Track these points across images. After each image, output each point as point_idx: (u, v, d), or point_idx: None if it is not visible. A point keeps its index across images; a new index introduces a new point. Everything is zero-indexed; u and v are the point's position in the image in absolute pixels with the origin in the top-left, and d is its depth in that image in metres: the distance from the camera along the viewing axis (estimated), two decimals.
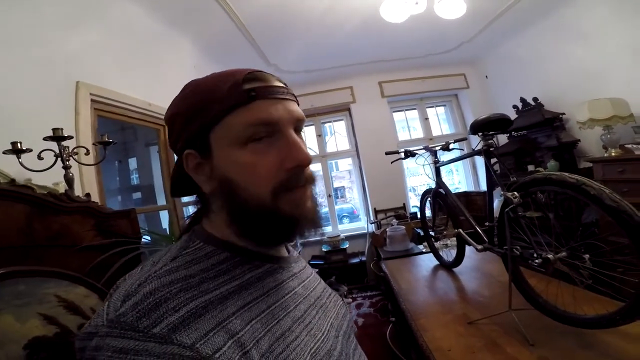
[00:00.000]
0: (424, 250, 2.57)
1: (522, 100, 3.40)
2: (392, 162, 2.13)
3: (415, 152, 1.90)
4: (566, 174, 0.87)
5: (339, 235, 4.16)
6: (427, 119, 4.61)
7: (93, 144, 1.49)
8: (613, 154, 2.32)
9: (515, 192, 1.05)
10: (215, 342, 0.36)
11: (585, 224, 2.45)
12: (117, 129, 2.57)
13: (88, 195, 1.12)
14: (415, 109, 4.63)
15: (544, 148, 3.10)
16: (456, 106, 4.61)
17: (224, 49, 3.10)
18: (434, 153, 1.84)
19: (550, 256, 0.98)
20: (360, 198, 4.60)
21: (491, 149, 1.25)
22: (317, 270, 3.91)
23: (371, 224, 4.05)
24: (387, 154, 1.98)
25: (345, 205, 6.01)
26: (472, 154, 1.40)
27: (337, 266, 3.94)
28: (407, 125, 4.73)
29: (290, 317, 0.47)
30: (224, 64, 3.34)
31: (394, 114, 4.58)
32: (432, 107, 4.71)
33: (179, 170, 0.52)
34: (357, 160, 4.51)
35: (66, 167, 1.19)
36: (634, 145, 2.14)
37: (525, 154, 3.42)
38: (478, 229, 1.50)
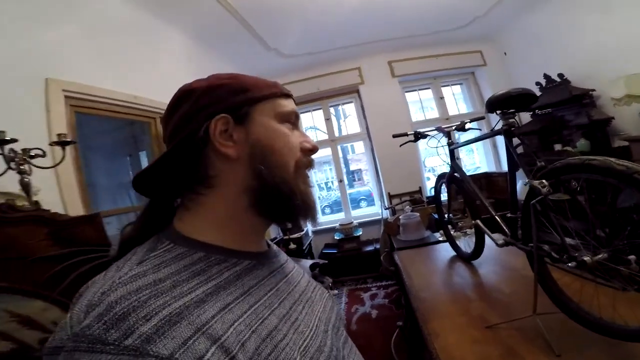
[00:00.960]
0: (440, 239, 2.41)
1: (546, 76, 3.17)
2: (400, 146, 1.96)
3: (427, 133, 1.72)
4: (612, 159, 0.70)
5: (352, 222, 4.04)
6: (442, 98, 4.34)
7: (50, 144, 1.39)
8: None
9: (544, 180, 0.87)
10: (196, 350, 0.34)
11: (621, 209, 2.21)
12: (124, 124, 2.49)
13: (37, 203, 1.03)
14: (429, 88, 4.37)
15: (573, 126, 2.86)
16: (473, 84, 4.32)
17: (219, 36, 2.95)
18: (447, 134, 1.66)
19: (587, 258, 0.81)
20: (374, 183, 4.42)
21: (512, 128, 1.07)
22: (327, 262, 3.85)
23: (385, 209, 3.90)
24: (394, 136, 1.81)
25: (362, 189, 5.92)
26: (490, 134, 1.21)
27: (350, 254, 3.85)
28: (422, 106, 4.48)
29: (275, 315, 0.46)
30: (221, 51, 3.20)
31: (407, 94, 4.33)
32: (448, 85, 4.43)
33: (171, 157, 0.49)
34: (369, 143, 4.31)
35: (21, 172, 1.10)
36: None
37: (551, 132, 3.16)
38: (499, 219, 1.33)
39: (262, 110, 0.52)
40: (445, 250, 1.98)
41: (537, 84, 3.27)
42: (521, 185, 3.23)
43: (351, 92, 4.27)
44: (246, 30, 2.90)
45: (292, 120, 0.56)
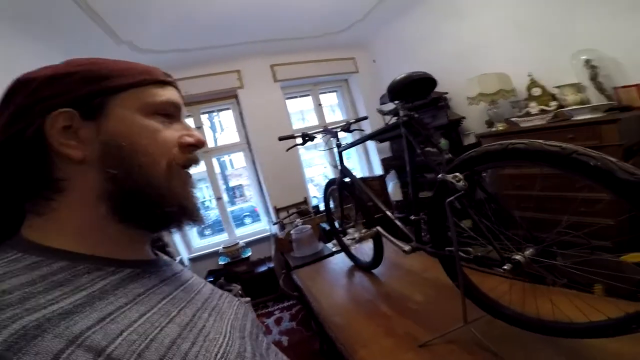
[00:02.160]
0: (334, 250, 2.30)
1: None
2: (287, 150, 1.76)
3: (314, 134, 1.56)
4: (539, 141, 0.60)
5: (238, 243, 3.63)
6: (320, 105, 4.39)
7: None
8: (500, 129, 2.39)
9: (458, 174, 0.75)
10: None
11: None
12: None
13: None
14: (309, 94, 4.35)
15: (431, 128, 3.13)
16: (347, 92, 4.49)
17: (53, 24, 2.20)
18: (335, 135, 1.52)
19: (519, 257, 0.71)
20: (258, 196, 4.12)
21: (414, 117, 0.95)
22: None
23: (273, 225, 3.64)
24: (280, 139, 1.60)
25: (245, 205, 5.57)
26: (390, 128, 1.09)
27: (242, 279, 3.43)
28: (302, 117, 4.43)
29: (176, 323, 0.42)
30: (52, 42, 2.43)
31: (288, 101, 4.20)
32: (325, 93, 4.51)
33: None
34: (250, 154, 4.00)
35: None
36: (518, 119, 2.23)
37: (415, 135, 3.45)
38: (399, 224, 1.22)
39: (123, 101, 0.45)
40: (342, 262, 1.90)
41: None
42: (393, 186, 3.42)
43: (229, 97, 3.87)
44: (89, 18, 2.24)
45: (170, 111, 0.49)
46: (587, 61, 1.98)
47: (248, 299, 0.68)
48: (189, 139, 0.49)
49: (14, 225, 0.43)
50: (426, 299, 1.21)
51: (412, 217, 1.09)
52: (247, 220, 5.27)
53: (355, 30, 3.70)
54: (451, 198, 0.76)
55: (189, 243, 3.86)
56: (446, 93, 3.04)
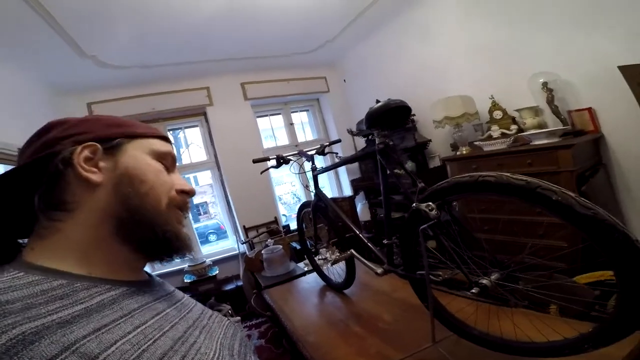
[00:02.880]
0: (306, 270, 2.29)
1: (377, 102, 3.48)
2: (262, 172, 1.75)
3: (289, 158, 1.57)
4: (506, 174, 0.66)
5: (204, 262, 3.51)
6: (292, 124, 4.42)
7: None
8: (464, 152, 2.44)
9: (431, 203, 0.79)
10: None
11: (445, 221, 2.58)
12: None
13: None
14: (280, 113, 4.38)
15: (399, 150, 3.23)
16: (318, 111, 4.57)
17: (6, 32, 2.09)
18: (310, 158, 1.54)
19: (486, 282, 0.75)
20: (225, 215, 4.03)
21: (389, 145, 0.99)
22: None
23: (242, 244, 3.57)
24: (254, 162, 1.60)
25: (210, 222, 5.41)
26: (365, 154, 1.12)
27: (210, 296, 3.31)
28: (273, 134, 4.42)
29: (168, 337, 0.44)
30: (11, 54, 2.30)
31: (258, 119, 4.20)
32: (297, 111, 4.55)
33: (18, 175, 0.47)
34: (218, 172, 3.92)
35: None
36: (481, 142, 2.30)
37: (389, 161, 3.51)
38: (373, 248, 1.25)
39: (136, 145, 0.53)
40: (314, 282, 1.91)
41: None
42: (362, 207, 3.46)
43: (197, 114, 3.81)
44: (52, 29, 2.14)
45: (168, 162, 0.57)
46: (544, 84, 2.07)
47: (238, 318, 0.71)
48: (184, 186, 0.57)
49: (13, 251, 0.46)
50: (396, 319, 1.24)
51: (385, 241, 1.13)
52: (212, 237, 5.13)
53: (326, 50, 3.78)
54: (424, 226, 0.79)
55: None
56: (413, 115, 3.10)
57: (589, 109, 2.01)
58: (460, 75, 2.75)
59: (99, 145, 0.49)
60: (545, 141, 1.91)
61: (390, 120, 0.98)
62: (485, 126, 2.47)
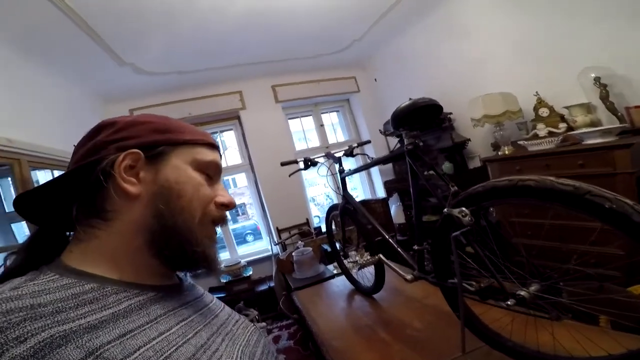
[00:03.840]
0: (335, 272, 2.27)
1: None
2: (290, 175, 1.76)
3: (317, 160, 1.56)
4: (550, 178, 0.59)
5: (240, 262, 3.61)
6: (322, 125, 4.41)
7: None
8: (507, 152, 2.29)
9: (464, 208, 0.74)
10: None
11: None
12: None
13: None
14: (310, 115, 4.39)
15: (435, 150, 3.09)
16: (348, 111, 4.53)
17: (52, 45, 2.26)
18: (338, 161, 1.52)
19: (524, 293, 0.69)
20: (260, 217, 4.11)
21: (419, 146, 0.95)
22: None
23: (275, 245, 3.62)
24: (282, 164, 1.61)
25: (247, 223, 5.54)
26: (394, 156, 1.08)
27: (243, 297, 3.40)
28: (304, 136, 4.45)
29: (191, 344, 0.45)
30: (53, 63, 2.48)
31: (290, 121, 4.26)
32: (327, 112, 4.55)
33: (67, 181, 0.47)
34: (252, 175, 4.01)
35: None
36: (526, 142, 2.15)
37: (420, 162, 3.39)
38: (403, 253, 1.20)
39: (179, 153, 0.52)
40: (343, 285, 1.88)
41: None
42: (395, 209, 3.36)
43: (231, 118, 3.93)
44: (90, 38, 2.30)
45: (212, 171, 0.56)
46: (597, 79, 1.90)
47: (264, 324, 0.71)
48: (224, 199, 0.56)
49: (55, 250, 0.48)
50: (425, 327, 1.19)
51: (416, 247, 1.08)
52: (249, 237, 5.25)
53: (354, 49, 3.74)
54: (456, 233, 0.75)
55: None
56: (450, 113, 2.97)
57: None
58: (500, 71, 2.59)
59: (141, 154, 0.48)
60: (599, 140, 1.74)
61: (419, 119, 0.93)
62: (530, 125, 2.29)
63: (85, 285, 0.41)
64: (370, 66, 4.24)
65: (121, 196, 0.47)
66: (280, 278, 2.82)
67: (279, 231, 3.76)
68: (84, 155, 0.48)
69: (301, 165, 1.57)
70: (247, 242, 4.94)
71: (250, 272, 3.63)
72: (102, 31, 2.28)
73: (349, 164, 1.59)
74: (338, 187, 1.55)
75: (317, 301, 1.82)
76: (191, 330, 0.48)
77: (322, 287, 2.01)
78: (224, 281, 3.53)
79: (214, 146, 0.57)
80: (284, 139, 3.94)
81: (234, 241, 4.08)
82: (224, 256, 3.99)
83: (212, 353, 0.47)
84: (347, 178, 1.54)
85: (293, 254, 2.49)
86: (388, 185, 3.79)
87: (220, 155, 0.60)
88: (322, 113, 4.46)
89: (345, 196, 1.52)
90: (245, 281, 3.55)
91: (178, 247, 0.49)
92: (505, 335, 0.83)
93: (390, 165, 3.87)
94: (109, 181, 0.46)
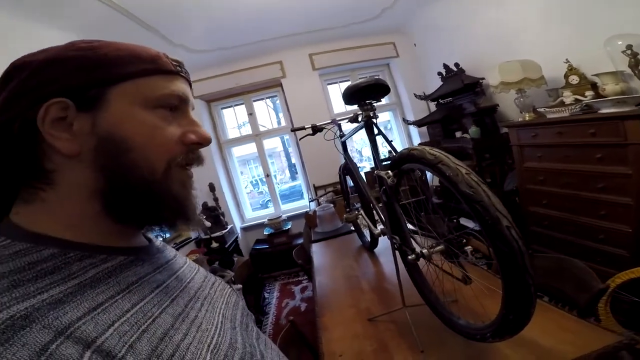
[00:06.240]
0: (352, 229, 2.46)
1: (445, 66, 3.34)
2: (300, 139, 1.95)
3: (323, 126, 1.73)
4: (427, 148, 0.73)
5: (281, 217, 4.00)
6: None
7: None
8: (527, 118, 2.28)
9: (389, 171, 0.90)
10: (64, 357, 0.28)
11: (506, 192, 2.44)
12: None
13: None
14: (348, 80, 4.44)
15: (467, 114, 3.08)
16: (388, 76, 4.49)
17: (110, 37, 2.61)
18: (339, 126, 1.68)
19: (424, 251, 0.85)
20: (302, 176, 4.42)
21: (373, 120, 1.09)
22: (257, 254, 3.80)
23: (310, 202, 3.91)
24: (292, 130, 1.80)
25: (296, 182, 5.91)
26: (358, 127, 1.24)
27: (281, 249, 3.81)
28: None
29: (168, 313, 0.41)
30: None
31: (329, 87, 4.38)
32: (365, 77, 4.53)
33: None
34: (295, 137, 4.28)
35: None
36: (546, 109, 2.10)
37: (452, 121, 3.37)
38: (380, 213, 1.37)
39: (123, 92, 0.41)
40: (355, 240, 2.05)
41: (439, 74, 3.44)
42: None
43: (274, 85, 4.19)
44: (142, 28, 2.63)
45: (174, 104, 0.45)
46: (629, 47, 1.75)
47: (239, 286, 0.69)
48: (192, 137, 0.46)
49: (2, 208, 0.41)
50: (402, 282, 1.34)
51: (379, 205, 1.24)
52: (296, 196, 5.62)
53: (387, 17, 3.70)
54: (379, 190, 0.91)
55: (243, 214, 4.39)
56: (482, 79, 2.90)
57: None
58: (533, 37, 2.46)
59: (68, 102, 0.38)
60: (612, 110, 1.66)
61: (368, 95, 1.07)
62: (560, 92, 2.18)
63: (44, 252, 0.36)
64: (409, 32, 4.14)
65: (57, 155, 0.39)
66: (308, 231, 3.10)
67: (316, 188, 4.06)
68: None
69: (309, 131, 1.75)
70: (293, 200, 5.31)
71: (290, 226, 3.99)
72: (150, 20, 2.57)
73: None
74: (341, 150, 1.70)
75: (326, 252, 2.04)
76: (167, 298, 0.44)
77: (335, 241, 2.21)
78: (267, 233, 3.94)
79: (171, 72, 0.46)
80: (321, 103, 4.10)
81: (279, 199, 4.48)
82: (268, 211, 4.42)
83: (190, 322, 0.43)
84: (354, 143, 1.68)
85: (317, 209, 2.73)
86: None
87: (188, 81, 0.50)
88: (361, 77, 4.46)
89: (346, 158, 1.68)
90: (284, 234, 3.91)
91: (141, 211, 0.43)
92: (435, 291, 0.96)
93: (425, 128, 3.87)
94: (39, 138, 0.38)
